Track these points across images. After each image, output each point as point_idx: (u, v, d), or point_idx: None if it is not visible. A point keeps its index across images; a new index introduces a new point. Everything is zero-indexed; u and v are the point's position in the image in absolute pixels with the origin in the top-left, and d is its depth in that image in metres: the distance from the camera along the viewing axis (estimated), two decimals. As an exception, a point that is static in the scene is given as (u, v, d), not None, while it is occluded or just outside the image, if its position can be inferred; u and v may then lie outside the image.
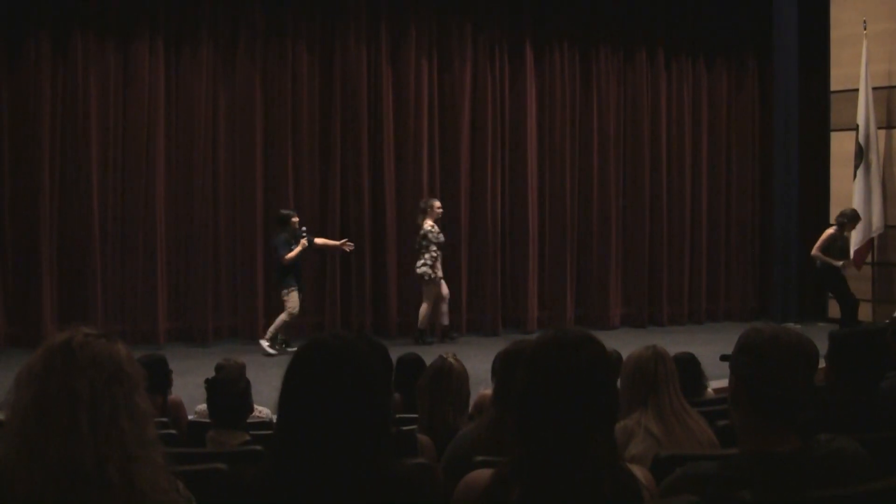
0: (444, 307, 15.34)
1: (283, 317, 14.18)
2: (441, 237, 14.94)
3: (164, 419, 6.46)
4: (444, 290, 15.25)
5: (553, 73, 17.14)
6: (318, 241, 14.81)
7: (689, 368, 6.65)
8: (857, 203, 15.63)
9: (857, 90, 15.81)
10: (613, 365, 2.95)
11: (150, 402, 2.77)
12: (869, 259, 15.89)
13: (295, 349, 2.99)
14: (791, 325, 13.62)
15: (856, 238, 15.65)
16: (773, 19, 17.41)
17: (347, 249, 15.14)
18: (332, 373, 2.74)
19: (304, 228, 14.40)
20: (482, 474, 3.06)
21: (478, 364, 5.94)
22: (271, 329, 14.22)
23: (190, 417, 7.39)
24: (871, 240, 15.86)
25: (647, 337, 14.80)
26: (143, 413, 2.71)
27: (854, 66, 15.93)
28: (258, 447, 5.39)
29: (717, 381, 9.05)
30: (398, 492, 2.73)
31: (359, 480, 2.68)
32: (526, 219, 16.77)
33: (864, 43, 15.74)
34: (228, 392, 5.86)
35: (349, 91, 15.91)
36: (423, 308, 15.06)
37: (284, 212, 14.56)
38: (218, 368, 6.08)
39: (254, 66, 15.44)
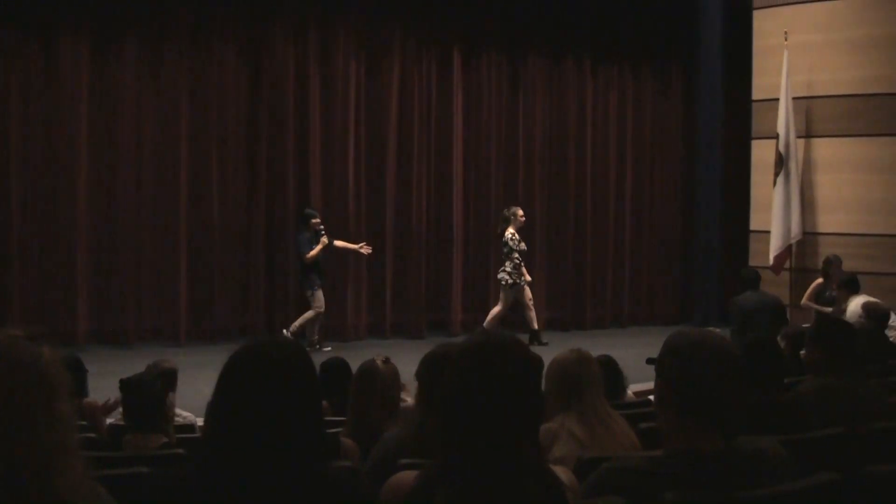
0: (531, 313, 15.69)
1: (309, 314, 14.60)
2: (522, 245, 15.37)
3: (83, 422, 6.41)
4: (528, 295, 15.64)
5: (480, 77, 17.21)
6: (338, 243, 15.05)
7: (609, 371, 6.70)
8: (776, 210, 15.82)
9: (777, 100, 16.01)
10: (538, 368, 2.97)
11: (72, 408, 2.72)
12: (787, 265, 16.09)
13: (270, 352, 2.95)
14: (712, 328, 13.75)
15: (775, 245, 15.86)
16: (699, 28, 17.63)
17: (365, 252, 15.34)
18: (266, 378, 2.74)
19: (322, 228, 14.61)
20: (407, 477, 3.08)
21: (402, 367, 5.94)
22: (296, 324, 14.60)
23: (111, 420, 7.32)
24: (790, 246, 16.06)
25: (570, 340, 14.90)
26: (64, 419, 2.65)
27: (776, 75, 16.12)
28: (179, 450, 5.36)
29: (638, 385, 9.15)
30: (326, 495, 2.74)
31: (288, 484, 2.68)
32: (451, 222, 16.82)
33: (786, 53, 15.94)
34: (142, 394, 5.81)
35: (276, 92, 15.85)
36: (495, 310, 15.61)
37: (307, 211, 14.93)
38: (145, 371, 6.04)
39: (180, 66, 15.30)
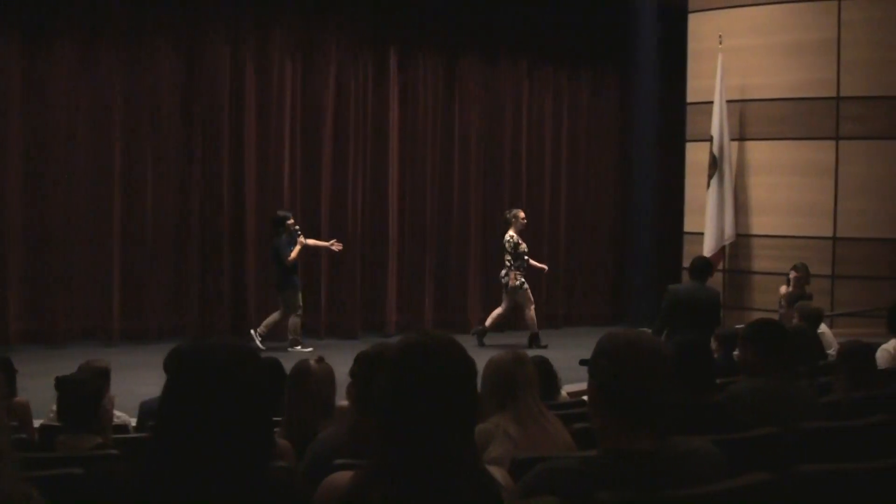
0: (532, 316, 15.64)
1: (276, 316, 14.77)
2: (522, 247, 15.30)
3: (15, 423, 6.34)
4: (530, 297, 15.61)
5: (416, 77, 17.22)
6: (309, 241, 15.02)
7: (543, 372, 6.72)
8: (709, 212, 15.96)
9: (712, 102, 16.14)
10: (473, 368, 2.97)
11: (3, 410, 2.68)
12: (721, 267, 16.23)
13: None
14: (646, 329, 13.83)
15: (708, 246, 15.99)
16: (634, 31, 17.75)
17: (335, 249, 15.40)
18: (214, 381, 2.72)
19: (297, 228, 14.71)
20: (342, 477, 3.07)
21: (336, 367, 5.93)
22: (290, 334, 14.78)
23: (41, 421, 7.25)
24: (723, 248, 16.20)
25: (505, 340, 14.93)
26: None
27: (710, 79, 16.26)
28: (113, 451, 5.31)
29: (572, 385, 9.19)
30: (265, 496, 2.73)
31: (231, 485, 2.66)
32: (386, 222, 16.82)
33: (720, 57, 16.07)
34: (77, 393, 5.76)
35: (211, 92, 15.77)
36: (496, 311, 15.61)
37: (281, 213, 14.93)
38: (79, 370, 5.98)
39: (114, 65, 15.18)
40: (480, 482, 2.84)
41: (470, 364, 2.93)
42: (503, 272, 15.40)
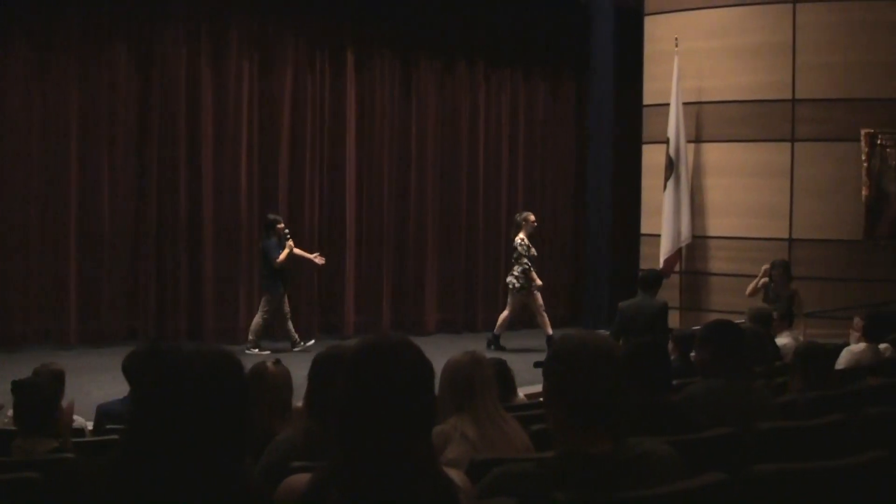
0: (543, 319, 15.58)
1: (258, 320, 14.77)
2: (532, 251, 15.27)
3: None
4: (539, 301, 15.54)
5: (373, 79, 17.20)
6: (296, 251, 15.05)
7: (500, 373, 6.72)
8: (666, 214, 16.03)
9: (668, 104, 16.22)
10: (431, 370, 2.98)
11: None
12: (677, 268, 16.30)
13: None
14: (602, 331, 13.88)
15: (665, 248, 16.07)
16: (590, 33, 17.81)
17: (318, 262, 15.45)
18: (193, 385, 2.70)
19: (287, 232, 14.68)
20: (300, 479, 3.06)
21: (294, 370, 5.91)
22: (251, 333, 14.76)
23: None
24: (680, 249, 16.28)
25: (462, 342, 14.95)
26: None
27: (666, 81, 16.34)
28: (69, 455, 5.28)
29: (529, 387, 9.21)
30: (236, 499, 2.72)
31: (200, 488, 2.65)
32: (344, 223, 16.80)
33: (676, 59, 16.15)
34: (33, 397, 5.71)
35: (167, 93, 15.67)
36: (503, 315, 15.58)
37: (271, 217, 14.97)
38: (34, 374, 5.94)
39: (69, 66, 15.06)
40: (438, 484, 2.85)
41: (427, 366, 2.93)
42: (510, 276, 15.41)
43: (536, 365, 3.78)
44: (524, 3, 17.87)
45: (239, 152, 16.06)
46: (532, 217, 15.54)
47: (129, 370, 6.68)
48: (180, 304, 15.68)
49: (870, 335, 9.55)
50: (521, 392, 7.90)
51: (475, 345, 14.62)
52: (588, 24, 17.87)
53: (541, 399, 5.72)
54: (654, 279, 12.64)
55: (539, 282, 15.44)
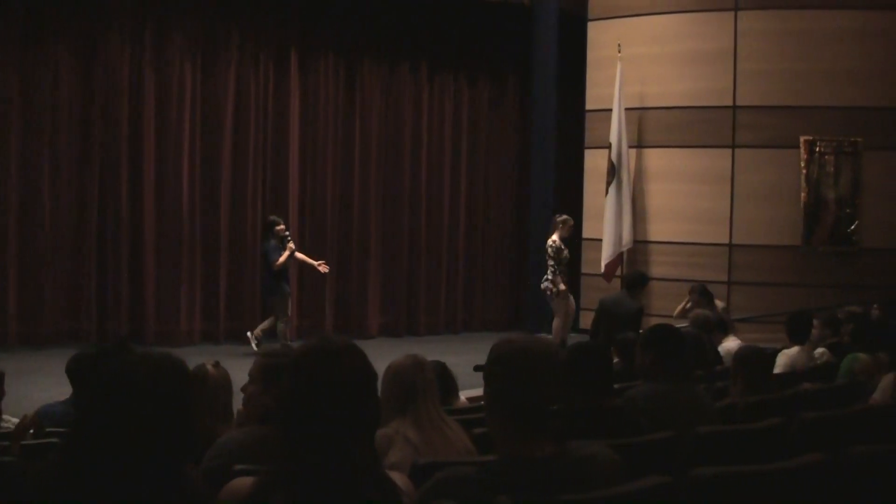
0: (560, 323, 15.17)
1: (268, 322, 14.72)
2: (564, 254, 14.78)
3: None
4: (571, 305, 15.23)
5: (317, 81, 17.15)
6: (298, 255, 14.95)
7: (442, 377, 6.73)
8: (608, 218, 16.14)
9: (610, 110, 16.31)
10: (373, 374, 2.98)
11: None
12: (618, 273, 16.39)
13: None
14: (544, 335, 13.94)
15: (606, 252, 16.17)
16: (533, 39, 17.86)
17: (322, 270, 15.36)
18: (137, 389, 2.69)
19: (287, 234, 14.55)
20: (243, 483, 3.05)
21: (235, 373, 5.89)
22: (258, 329, 14.70)
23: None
24: (621, 254, 16.38)
25: (404, 346, 14.87)
26: None
27: (608, 86, 16.44)
28: (8, 458, 5.22)
29: (471, 390, 9.21)
30: (178, 501, 2.72)
31: (143, 489, 2.64)
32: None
33: (619, 65, 16.25)
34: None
35: (110, 92, 15.53)
36: (555, 323, 15.09)
37: (271, 218, 14.90)
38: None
39: (10, 65, 14.89)
40: (381, 487, 2.85)
41: (370, 369, 2.94)
42: (544, 280, 15.05)
43: (476, 368, 3.78)
44: (468, 7, 17.87)
45: (181, 153, 15.95)
46: (570, 220, 15.09)
47: (73, 373, 6.61)
48: (121, 306, 15.55)
49: (792, 336, 9.68)
50: (463, 395, 7.90)
51: (417, 348, 14.58)
52: (532, 30, 17.92)
53: (482, 402, 5.75)
54: (636, 279, 12.77)
55: (563, 286, 14.95)
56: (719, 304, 13.74)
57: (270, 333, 14.78)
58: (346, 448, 2.81)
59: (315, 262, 15.31)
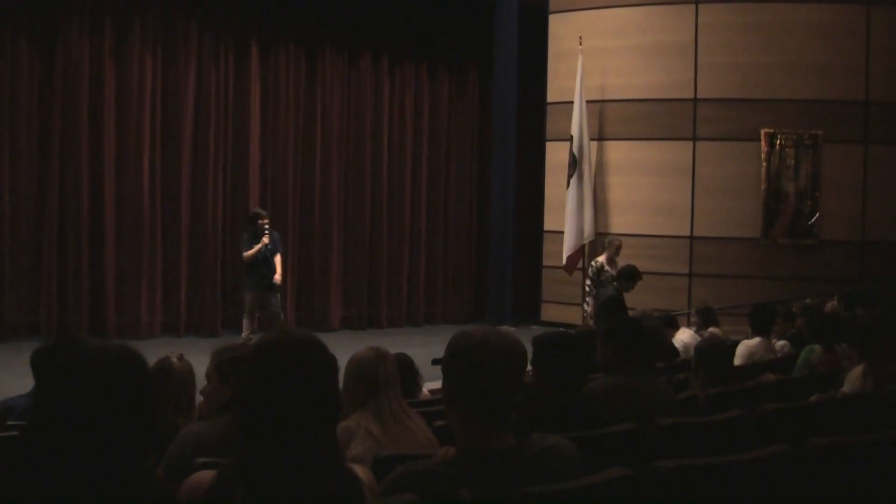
0: None
1: (244, 319, 14.24)
2: (605, 275, 14.21)
3: None
4: None
5: (278, 73, 17.11)
6: (276, 259, 14.26)
7: (405, 369, 6.72)
8: (569, 211, 16.18)
9: (571, 102, 16.35)
10: (334, 366, 2.97)
11: None
12: (580, 265, 16.43)
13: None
14: (505, 327, 13.96)
15: (568, 245, 16.20)
16: (494, 31, 17.86)
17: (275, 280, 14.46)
18: (95, 382, 2.67)
19: (267, 229, 14.09)
20: (204, 476, 3.04)
21: (199, 366, 5.85)
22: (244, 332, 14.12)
23: None
24: (583, 247, 16.42)
25: (366, 339, 14.91)
26: None
27: (570, 79, 16.48)
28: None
29: (433, 383, 9.22)
30: (137, 496, 2.69)
31: (102, 485, 2.62)
32: (246, 217, 16.63)
33: (580, 58, 16.28)
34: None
35: (70, 85, 15.43)
36: None
37: (255, 210, 14.61)
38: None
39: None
40: (343, 480, 2.84)
41: (331, 361, 2.92)
42: (584, 303, 14.80)
43: (434, 362, 3.78)
44: (429, -1, 17.92)
45: (142, 146, 15.86)
46: (616, 241, 14.64)
47: (36, 365, 6.56)
48: (82, 299, 15.46)
49: (755, 328, 9.75)
50: (426, 388, 7.90)
51: (378, 341, 14.58)
52: (493, 22, 17.93)
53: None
54: (628, 274, 12.84)
55: (588, 308, 14.57)
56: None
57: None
58: (307, 441, 2.79)
59: (278, 273, 14.56)
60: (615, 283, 13.38)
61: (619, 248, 14.58)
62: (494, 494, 3.02)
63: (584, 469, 3.30)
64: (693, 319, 12.99)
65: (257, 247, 14.09)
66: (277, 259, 14.29)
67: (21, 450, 2.73)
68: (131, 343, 2.90)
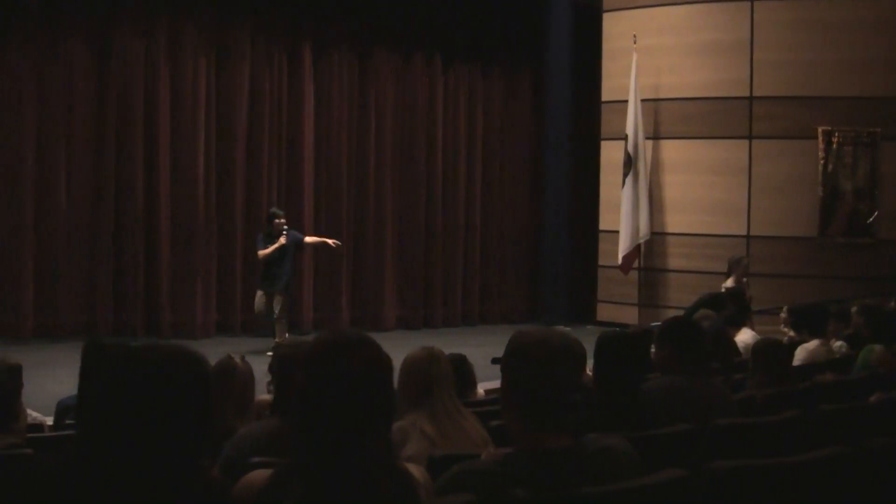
0: None
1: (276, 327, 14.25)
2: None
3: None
4: None
5: (331, 74, 17.14)
6: (308, 239, 14.71)
7: (460, 369, 6.72)
8: (624, 210, 16.11)
9: (626, 101, 16.28)
10: (388, 366, 2.96)
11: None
12: (636, 265, 16.36)
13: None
14: (561, 327, 13.91)
15: (623, 244, 16.14)
16: (548, 30, 17.81)
17: (333, 245, 14.90)
18: (148, 381, 2.68)
19: (286, 228, 14.25)
20: (259, 475, 3.04)
21: (255, 365, 5.89)
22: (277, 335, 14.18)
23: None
24: (639, 246, 16.34)
25: (421, 339, 14.91)
26: None
27: (624, 78, 16.40)
28: (27, 450, 5.22)
29: (489, 383, 9.21)
30: (192, 496, 2.70)
31: (157, 484, 2.63)
32: (302, 219, 16.70)
33: (634, 56, 16.21)
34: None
35: (125, 87, 15.55)
36: None
37: (272, 210, 14.71)
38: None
39: (25, 60, 14.90)
40: (398, 480, 2.84)
41: (385, 361, 2.92)
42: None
43: (494, 361, 3.79)
44: (483, -1, 17.91)
45: (196, 148, 15.95)
46: (745, 259, 14.10)
47: (94, 365, 6.60)
48: (137, 299, 15.58)
49: (795, 327, 9.66)
50: (481, 387, 7.90)
51: (433, 341, 14.59)
52: (546, 21, 17.88)
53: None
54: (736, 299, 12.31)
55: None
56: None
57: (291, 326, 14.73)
58: (361, 441, 2.79)
59: (329, 240, 14.96)
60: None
61: (746, 266, 13.96)
62: (550, 494, 3.01)
63: (641, 470, 3.29)
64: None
65: (273, 246, 14.16)
66: (312, 239, 14.75)
67: (78, 448, 2.75)
68: (187, 343, 2.92)
